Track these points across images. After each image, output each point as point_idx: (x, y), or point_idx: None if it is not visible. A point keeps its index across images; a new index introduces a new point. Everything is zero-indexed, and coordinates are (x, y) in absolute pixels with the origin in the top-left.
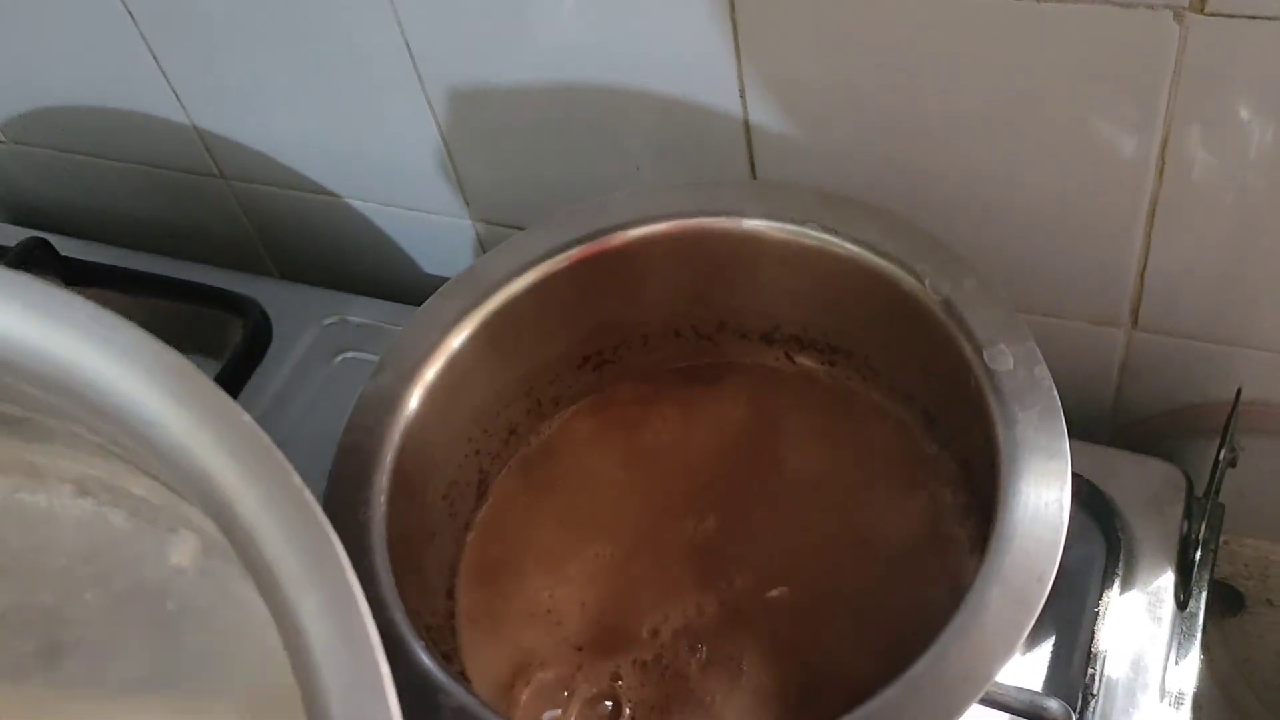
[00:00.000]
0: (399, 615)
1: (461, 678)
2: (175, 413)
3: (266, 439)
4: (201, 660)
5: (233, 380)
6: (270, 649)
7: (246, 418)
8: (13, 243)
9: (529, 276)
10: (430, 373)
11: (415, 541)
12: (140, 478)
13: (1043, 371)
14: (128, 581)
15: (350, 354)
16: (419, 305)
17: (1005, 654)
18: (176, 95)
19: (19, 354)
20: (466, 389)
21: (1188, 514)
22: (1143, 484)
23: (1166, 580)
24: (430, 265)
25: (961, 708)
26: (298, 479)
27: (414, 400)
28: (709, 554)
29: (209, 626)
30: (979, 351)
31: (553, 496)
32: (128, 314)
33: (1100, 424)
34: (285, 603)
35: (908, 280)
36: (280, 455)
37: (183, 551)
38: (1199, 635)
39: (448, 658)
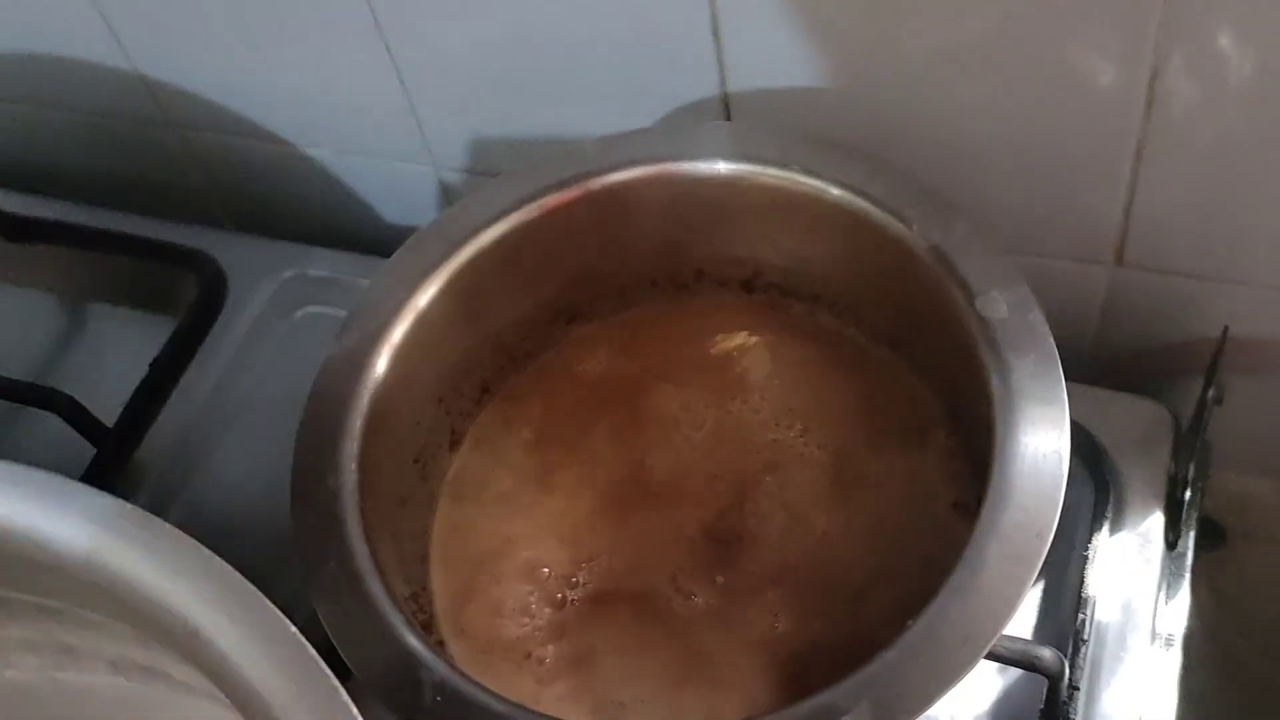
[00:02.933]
0: (377, 588)
1: (441, 649)
2: (220, 622)
3: (312, 652)
4: None
5: (189, 338)
6: None
7: (292, 630)
8: None
9: (499, 228)
10: (397, 333)
11: (387, 509)
12: (180, 664)
13: (1037, 318)
14: None
15: (311, 308)
16: (381, 256)
17: (1006, 614)
18: (117, 39)
19: (55, 557)
20: (436, 348)
21: (1175, 453)
22: (1129, 424)
23: (1155, 521)
24: (392, 215)
25: (963, 671)
26: (342, 693)
27: (381, 364)
28: (688, 501)
29: None
30: (971, 300)
31: (524, 451)
32: (76, 271)
33: (1079, 364)
34: None
35: (895, 226)
36: (325, 668)
37: None
38: (1188, 575)
39: (426, 627)
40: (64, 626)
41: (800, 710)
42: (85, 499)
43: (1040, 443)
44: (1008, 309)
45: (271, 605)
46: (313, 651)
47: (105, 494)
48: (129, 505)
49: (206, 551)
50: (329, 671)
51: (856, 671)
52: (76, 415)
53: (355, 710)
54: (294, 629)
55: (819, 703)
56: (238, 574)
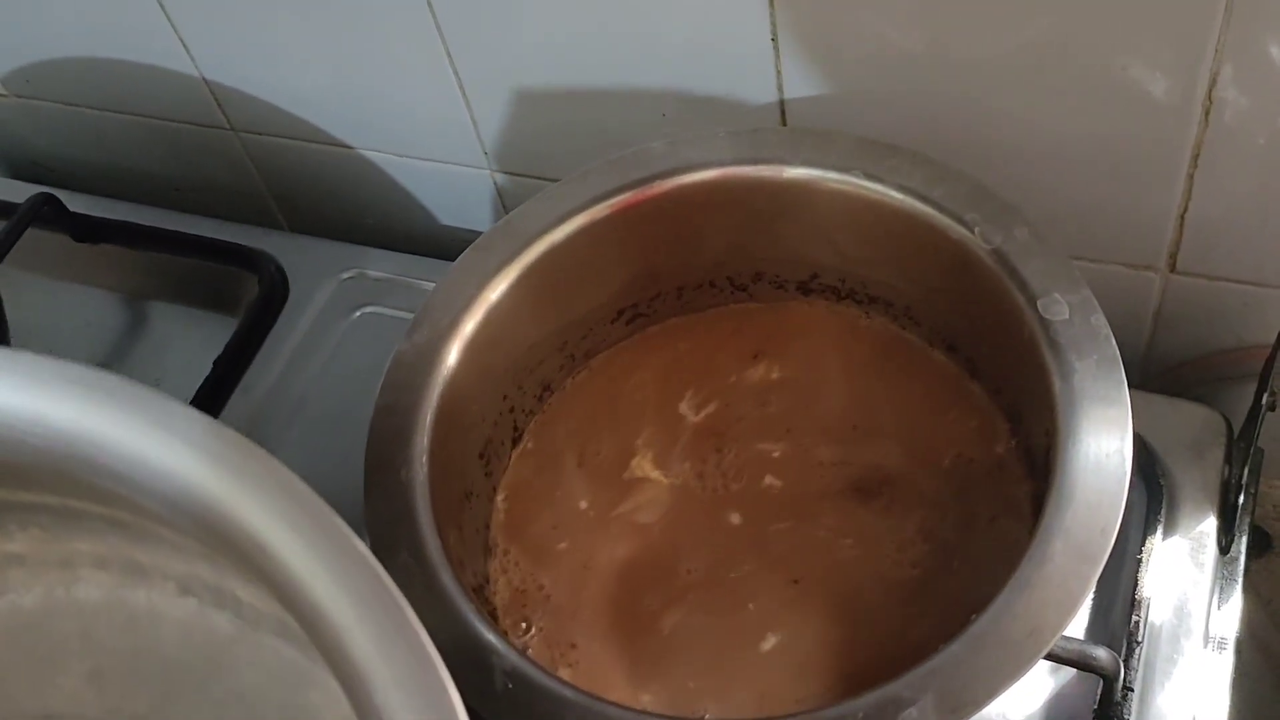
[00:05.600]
0: (448, 578)
1: (507, 638)
2: (289, 539)
3: (383, 573)
4: None
5: (251, 337)
6: None
7: (364, 550)
8: (20, 199)
9: (569, 227)
10: (469, 326)
11: (455, 501)
12: (248, 585)
13: (1100, 320)
14: (227, 688)
15: (370, 308)
16: (437, 258)
17: (1071, 609)
18: (185, 45)
19: (132, 467)
20: (504, 344)
21: (1228, 459)
22: (1183, 429)
23: (1208, 525)
24: (448, 217)
25: (1027, 664)
26: (410, 612)
27: (452, 356)
28: (749, 499)
29: None
30: (1032, 302)
31: (582, 449)
32: (140, 270)
33: (1133, 369)
34: None
35: (956, 229)
36: (393, 587)
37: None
38: (1240, 579)
39: (493, 617)
40: (132, 542)
41: (866, 701)
42: (152, 403)
43: (1103, 442)
44: (1070, 311)
45: (342, 522)
46: (378, 567)
47: (173, 399)
48: (197, 412)
49: (276, 463)
50: (393, 587)
51: (921, 664)
52: None
53: (420, 628)
54: (363, 546)
55: (884, 694)
56: (309, 488)
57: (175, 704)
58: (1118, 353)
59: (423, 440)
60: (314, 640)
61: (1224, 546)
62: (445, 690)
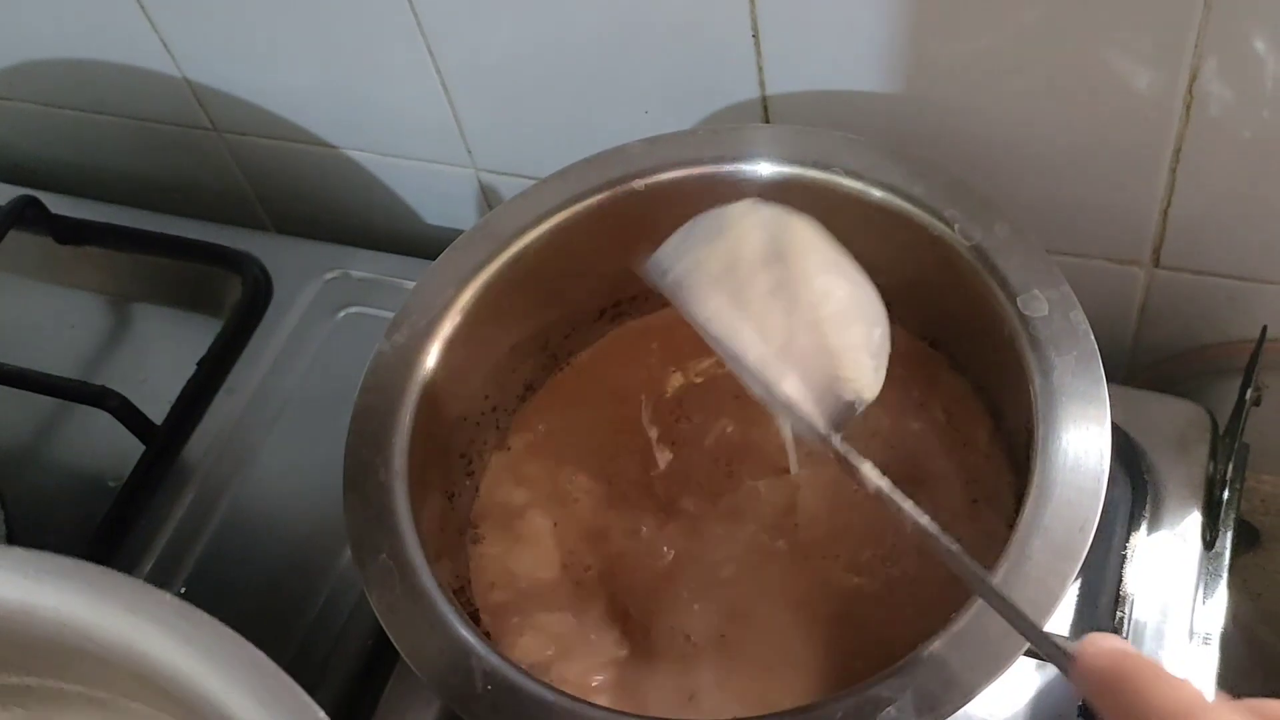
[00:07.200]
0: (428, 579)
1: (488, 640)
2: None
3: None
4: None
5: (234, 338)
6: None
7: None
8: (2, 201)
9: (545, 227)
10: (447, 329)
11: (436, 502)
12: None
13: (1079, 316)
14: None
15: (353, 308)
16: (421, 257)
17: (1049, 607)
18: (166, 46)
19: (110, 650)
20: (484, 345)
21: (1213, 454)
22: (1167, 424)
23: (1193, 521)
24: (432, 216)
25: (1006, 663)
26: None
27: (431, 357)
28: (734, 496)
29: None
30: (1012, 298)
31: (565, 446)
32: (124, 272)
33: (1117, 364)
34: None
35: (936, 226)
36: None
37: None
38: (1225, 575)
39: (473, 618)
40: (110, 717)
41: (847, 701)
42: (127, 590)
43: (1082, 439)
44: (1049, 307)
45: (305, 694)
46: None
47: (147, 585)
48: (169, 595)
49: (242, 640)
50: None
51: (901, 662)
52: (127, 413)
53: None
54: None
55: (864, 693)
56: (273, 663)
57: None
58: (1097, 349)
59: (402, 442)
60: None
61: (1209, 541)
62: None
